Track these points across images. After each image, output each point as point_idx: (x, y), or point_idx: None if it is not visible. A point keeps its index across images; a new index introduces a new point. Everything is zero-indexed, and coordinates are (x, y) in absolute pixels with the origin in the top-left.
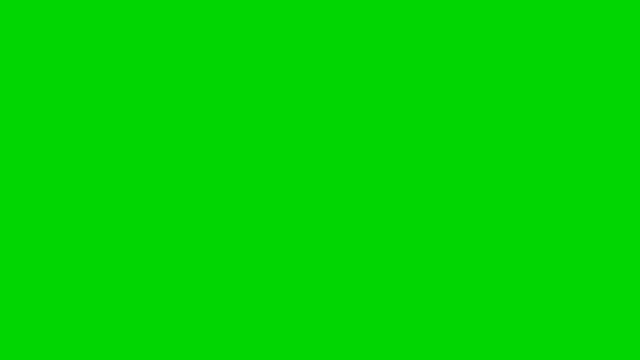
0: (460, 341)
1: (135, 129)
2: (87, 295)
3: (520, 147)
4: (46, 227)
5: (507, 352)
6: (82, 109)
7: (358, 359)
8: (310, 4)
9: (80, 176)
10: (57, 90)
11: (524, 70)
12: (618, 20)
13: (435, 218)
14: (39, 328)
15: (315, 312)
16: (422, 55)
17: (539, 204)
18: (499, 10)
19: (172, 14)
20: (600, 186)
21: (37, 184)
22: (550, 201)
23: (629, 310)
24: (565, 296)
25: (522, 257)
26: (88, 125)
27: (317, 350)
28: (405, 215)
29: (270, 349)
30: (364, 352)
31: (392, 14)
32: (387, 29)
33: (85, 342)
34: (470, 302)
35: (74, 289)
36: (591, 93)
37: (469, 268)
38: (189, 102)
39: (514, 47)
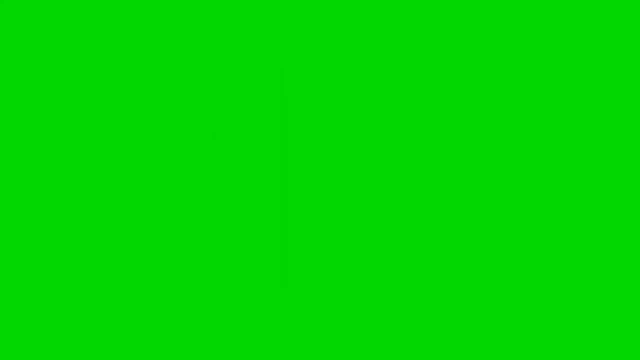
0: (460, 341)
1: (135, 129)
2: (87, 295)
3: (520, 147)
4: (46, 227)
5: (507, 352)
6: (82, 109)
7: (357, 358)
8: (310, 5)
9: (80, 176)
10: (57, 90)
11: (524, 71)
12: (618, 21)
13: (436, 218)
14: (39, 328)
15: (315, 312)
16: (422, 55)
17: (539, 203)
18: (499, 10)
19: (172, 14)
20: (600, 186)
21: (37, 184)
22: (550, 201)
23: (629, 310)
24: (564, 296)
25: (522, 257)
26: (88, 126)
27: (316, 350)
28: (405, 215)
29: (270, 349)
30: (364, 352)
31: (393, 15)
32: (387, 29)
33: (85, 342)
34: (470, 302)
35: (73, 288)
36: (591, 93)
37: (469, 268)
38: (189, 102)
39: (514, 48)
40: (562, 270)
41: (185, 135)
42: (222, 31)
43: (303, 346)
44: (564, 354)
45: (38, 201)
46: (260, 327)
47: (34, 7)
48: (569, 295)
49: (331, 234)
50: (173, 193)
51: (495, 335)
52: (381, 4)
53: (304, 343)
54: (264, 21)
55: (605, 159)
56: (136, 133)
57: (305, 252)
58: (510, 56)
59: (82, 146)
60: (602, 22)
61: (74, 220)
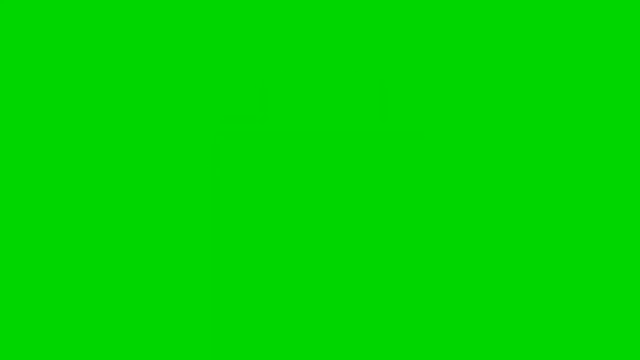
0: (459, 341)
1: (136, 129)
2: (87, 295)
3: (521, 147)
4: (46, 227)
5: (507, 352)
6: (82, 110)
7: (357, 359)
8: (310, 5)
9: (80, 176)
10: (57, 90)
11: (524, 71)
12: (618, 21)
13: (436, 218)
14: (39, 328)
15: (315, 312)
16: (422, 56)
17: (539, 203)
18: (499, 10)
19: (172, 14)
20: (600, 185)
21: (37, 184)
22: (550, 200)
23: (629, 310)
24: (564, 295)
25: (523, 257)
26: (88, 126)
27: (316, 350)
28: (405, 215)
29: (270, 348)
30: (363, 352)
31: (393, 15)
32: (388, 30)
33: (85, 342)
34: (471, 302)
35: (74, 288)
36: (591, 93)
37: (470, 268)
38: (189, 102)
39: (514, 48)
40: (561, 269)
41: (184, 136)
42: (222, 31)
43: (303, 346)
44: (564, 354)
45: (38, 201)
46: (259, 326)
47: (34, 7)
48: (568, 294)
49: (330, 233)
50: (172, 192)
51: (494, 334)
52: (381, 4)
53: (304, 342)
54: (264, 21)
55: (605, 159)
56: (135, 133)
57: (304, 252)
58: (510, 56)
59: (82, 146)
60: (602, 22)
61: (73, 219)
